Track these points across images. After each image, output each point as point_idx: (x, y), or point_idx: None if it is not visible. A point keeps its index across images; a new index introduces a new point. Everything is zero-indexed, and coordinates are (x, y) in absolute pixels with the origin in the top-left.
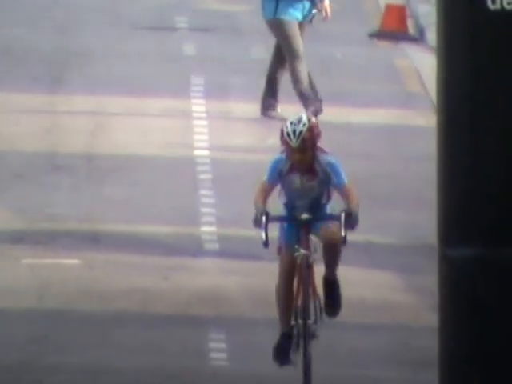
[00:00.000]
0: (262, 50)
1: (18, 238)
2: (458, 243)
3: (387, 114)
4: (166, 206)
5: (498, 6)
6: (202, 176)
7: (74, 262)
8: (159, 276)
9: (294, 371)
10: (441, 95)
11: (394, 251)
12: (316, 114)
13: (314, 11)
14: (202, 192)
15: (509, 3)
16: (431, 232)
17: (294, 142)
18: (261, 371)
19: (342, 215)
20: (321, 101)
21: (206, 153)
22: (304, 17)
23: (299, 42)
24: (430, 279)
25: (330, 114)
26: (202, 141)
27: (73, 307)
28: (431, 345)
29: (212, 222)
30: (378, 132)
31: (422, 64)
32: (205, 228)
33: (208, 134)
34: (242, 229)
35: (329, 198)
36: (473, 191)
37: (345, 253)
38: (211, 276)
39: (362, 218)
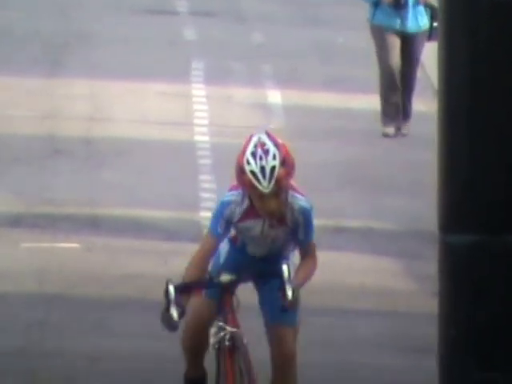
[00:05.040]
0: (263, 34)
1: (17, 222)
2: (458, 230)
3: None
4: (166, 190)
5: None
6: (202, 161)
7: (73, 246)
8: (159, 261)
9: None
10: (442, 80)
11: (393, 237)
12: (396, 131)
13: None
14: (202, 177)
15: None
16: (431, 218)
17: (265, 186)
18: (258, 356)
19: (284, 268)
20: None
21: (205, 138)
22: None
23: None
24: (430, 265)
25: (331, 100)
26: (202, 125)
27: (72, 292)
28: (431, 331)
29: (211, 207)
30: (378, 117)
31: (423, 49)
32: (204, 213)
33: (208, 118)
34: None
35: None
36: (473, 178)
37: (344, 238)
38: None
39: (362, 204)
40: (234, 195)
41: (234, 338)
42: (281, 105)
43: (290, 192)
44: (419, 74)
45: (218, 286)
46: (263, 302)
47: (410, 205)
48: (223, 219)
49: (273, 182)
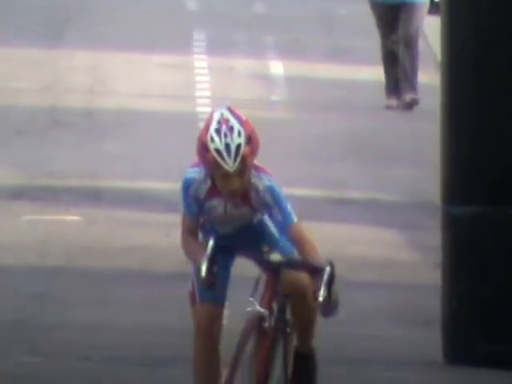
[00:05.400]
0: (265, 5)
1: (19, 194)
2: (461, 201)
3: None
4: (168, 162)
5: None
6: None
7: (75, 218)
8: (160, 233)
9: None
10: (445, 52)
11: (396, 208)
12: (412, 104)
13: None
14: None
15: None
16: (435, 189)
17: (230, 165)
18: None
19: (328, 269)
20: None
21: (207, 109)
22: None
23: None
24: (433, 237)
25: (333, 71)
26: (204, 96)
27: (73, 264)
28: (434, 303)
29: None
30: (381, 89)
31: (426, 21)
32: None
33: (210, 89)
34: None
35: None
36: (476, 150)
37: (347, 210)
38: None
39: (365, 175)
40: (196, 172)
41: (257, 318)
42: (283, 76)
43: (254, 172)
44: (422, 45)
45: (267, 265)
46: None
47: (413, 176)
48: (190, 197)
49: (238, 160)
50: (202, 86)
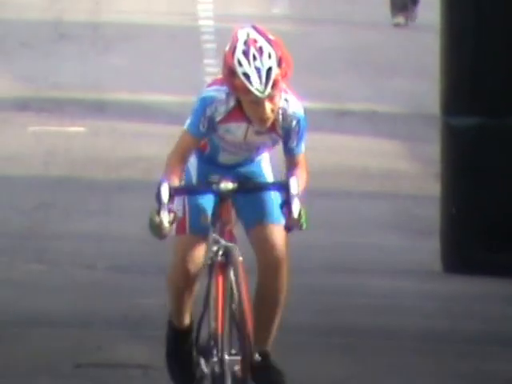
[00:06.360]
0: None
1: (24, 106)
2: (460, 112)
3: None
4: (171, 74)
5: None
6: (207, 45)
7: (80, 129)
8: (163, 144)
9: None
10: None
11: (397, 120)
12: (406, 20)
13: None
14: (206, 61)
15: None
16: (434, 101)
17: (261, 91)
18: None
19: (292, 182)
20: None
21: (210, 22)
22: None
23: None
24: (432, 148)
25: None
26: (206, 10)
27: (78, 174)
28: (434, 213)
29: None
30: (385, 3)
31: None
32: None
33: (212, 3)
34: None
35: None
36: (475, 61)
37: (348, 122)
38: None
39: (367, 87)
40: (217, 91)
41: (228, 252)
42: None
43: (283, 95)
44: None
45: (216, 193)
46: (241, 210)
47: (415, 89)
48: (205, 117)
49: (270, 85)
50: (204, 0)
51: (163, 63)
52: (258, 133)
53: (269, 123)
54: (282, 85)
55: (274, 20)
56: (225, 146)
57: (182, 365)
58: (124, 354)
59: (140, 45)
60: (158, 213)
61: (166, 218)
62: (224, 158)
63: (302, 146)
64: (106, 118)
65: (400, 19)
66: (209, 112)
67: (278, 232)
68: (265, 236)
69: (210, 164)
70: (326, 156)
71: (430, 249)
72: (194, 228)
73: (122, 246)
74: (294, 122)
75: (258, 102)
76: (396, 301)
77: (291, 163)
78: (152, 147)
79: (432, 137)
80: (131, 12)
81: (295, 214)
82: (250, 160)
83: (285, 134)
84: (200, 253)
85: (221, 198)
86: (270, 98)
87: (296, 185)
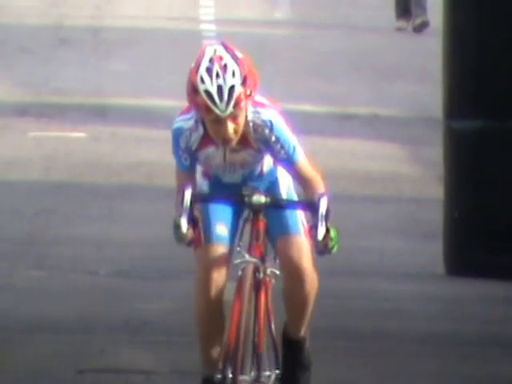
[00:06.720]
0: None
1: (25, 111)
2: (463, 115)
3: None
4: (172, 79)
5: None
6: None
7: (81, 135)
8: (165, 149)
9: None
10: None
11: (399, 123)
12: (421, 27)
13: None
14: None
15: None
16: (436, 104)
17: (222, 109)
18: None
19: (322, 203)
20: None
21: (212, 26)
22: None
23: None
24: (435, 151)
25: None
26: (208, 14)
27: (79, 180)
28: (436, 216)
29: None
30: (388, 7)
31: None
32: None
33: (214, 7)
34: None
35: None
36: (477, 65)
37: (350, 126)
38: None
39: (369, 91)
40: (184, 120)
41: (251, 269)
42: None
43: (251, 108)
44: None
45: (248, 206)
46: (268, 224)
47: (417, 92)
48: (182, 150)
49: (231, 104)
50: (206, 4)
51: (164, 68)
52: (234, 151)
53: (232, 143)
54: (247, 105)
55: (276, 24)
56: (216, 170)
57: None
58: (126, 360)
59: (141, 49)
60: (179, 217)
61: (184, 224)
62: (227, 178)
63: (296, 154)
64: (106, 122)
65: (403, 23)
66: (182, 143)
67: (300, 243)
68: (287, 248)
69: (221, 185)
70: (328, 160)
71: (432, 252)
72: (209, 235)
73: (124, 251)
74: (267, 131)
75: (219, 121)
76: (399, 303)
77: (298, 177)
78: (153, 152)
79: (434, 140)
80: (132, 17)
81: (320, 237)
82: (255, 175)
83: (264, 146)
84: (221, 261)
85: (254, 211)
86: (233, 117)
87: (325, 205)
